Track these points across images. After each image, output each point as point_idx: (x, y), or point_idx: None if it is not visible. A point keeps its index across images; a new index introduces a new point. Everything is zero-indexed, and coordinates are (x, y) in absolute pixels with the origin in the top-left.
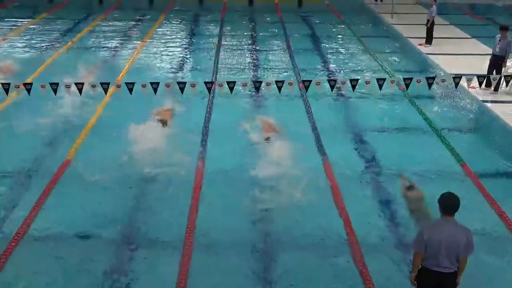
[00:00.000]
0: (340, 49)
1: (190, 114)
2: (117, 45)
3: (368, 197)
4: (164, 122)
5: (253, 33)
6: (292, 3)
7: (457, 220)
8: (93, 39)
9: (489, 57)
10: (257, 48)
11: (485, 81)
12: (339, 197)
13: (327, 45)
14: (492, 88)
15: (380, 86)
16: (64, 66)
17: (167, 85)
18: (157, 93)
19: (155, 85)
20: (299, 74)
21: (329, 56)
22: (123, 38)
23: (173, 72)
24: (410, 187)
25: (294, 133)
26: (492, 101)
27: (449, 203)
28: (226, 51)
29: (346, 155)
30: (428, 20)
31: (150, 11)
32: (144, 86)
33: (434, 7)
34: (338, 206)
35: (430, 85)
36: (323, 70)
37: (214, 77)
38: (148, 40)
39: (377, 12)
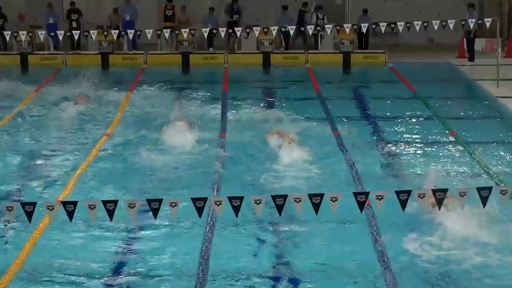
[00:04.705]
0: (415, 139)
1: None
2: (60, 141)
3: None
4: None
5: (274, 115)
6: (335, 67)
7: None
8: (18, 132)
9: None
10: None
11: None
12: None
13: (394, 134)
14: None
15: (484, 200)
16: None
17: (131, 205)
18: (113, 219)
19: (110, 205)
20: (359, 181)
21: (398, 151)
22: (72, 130)
23: (146, 186)
24: None
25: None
26: None
27: None
28: (232, 145)
29: None
30: None
31: (110, 86)
32: (92, 207)
33: None
34: None
35: None
36: (388, 175)
37: (215, 192)
38: (111, 132)
39: (473, 79)
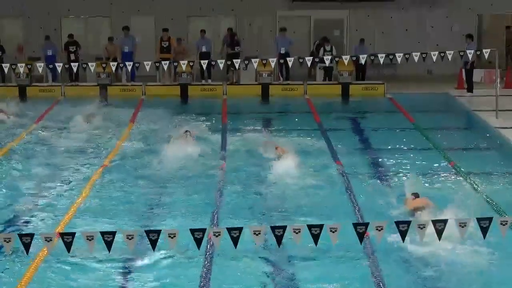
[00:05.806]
0: (414, 170)
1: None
2: (59, 171)
3: None
4: None
5: (276, 148)
6: (334, 98)
7: None
8: (17, 163)
9: None
10: (283, 172)
11: None
12: None
13: (393, 165)
14: None
15: (484, 231)
16: None
17: (129, 236)
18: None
19: (108, 236)
20: (358, 211)
21: (397, 182)
22: (71, 160)
23: (144, 216)
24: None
25: None
26: None
27: None
28: (232, 175)
29: None
30: None
31: (108, 117)
32: (90, 238)
33: None
34: None
35: None
36: (388, 205)
37: (215, 221)
38: (109, 164)
39: (472, 110)
